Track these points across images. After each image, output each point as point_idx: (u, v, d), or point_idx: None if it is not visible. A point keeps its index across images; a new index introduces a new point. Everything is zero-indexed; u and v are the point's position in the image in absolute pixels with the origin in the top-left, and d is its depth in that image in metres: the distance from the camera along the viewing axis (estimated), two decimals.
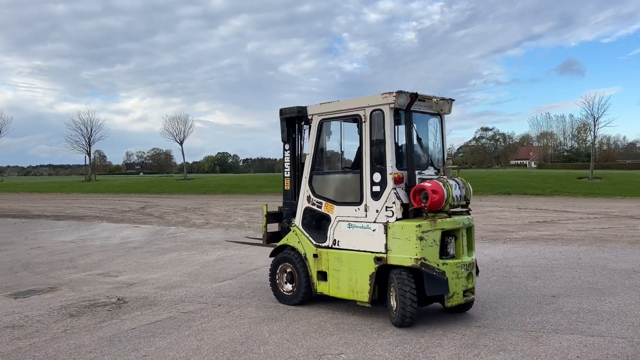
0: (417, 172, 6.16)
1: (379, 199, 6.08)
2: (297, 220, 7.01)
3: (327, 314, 6.60)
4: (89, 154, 64.53)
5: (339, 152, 6.98)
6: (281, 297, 7.19)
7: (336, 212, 6.54)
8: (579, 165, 74.51)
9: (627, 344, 5.32)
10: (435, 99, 6.53)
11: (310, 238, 6.82)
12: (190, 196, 37.14)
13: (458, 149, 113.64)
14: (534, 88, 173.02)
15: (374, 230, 6.10)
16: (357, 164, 6.52)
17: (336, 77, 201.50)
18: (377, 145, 6.16)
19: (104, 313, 6.90)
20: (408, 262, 5.75)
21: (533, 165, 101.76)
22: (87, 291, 8.22)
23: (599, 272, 8.94)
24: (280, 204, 7.88)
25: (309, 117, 6.97)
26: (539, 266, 9.52)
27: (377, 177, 6.11)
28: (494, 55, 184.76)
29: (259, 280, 8.79)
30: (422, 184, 5.89)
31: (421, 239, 5.69)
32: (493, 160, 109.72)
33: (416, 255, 5.70)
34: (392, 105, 5.97)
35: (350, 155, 6.84)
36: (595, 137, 49.75)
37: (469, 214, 6.37)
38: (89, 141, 62.36)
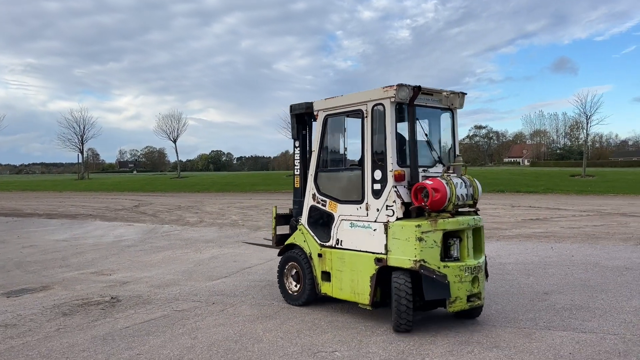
0: (422, 169, 5.95)
1: (379, 197, 5.88)
2: (304, 218, 6.89)
3: (321, 312, 6.61)
4: (82, 152, 64.30)
5: (343, 149, 6.75)
6: (288, 297, 7.08)
7: (339, 211, 6.38)
8: (572, 163, 74.99)
9: (619, 340, 5.36)
10: (445, 93, 6.25)
11: (315, 237, 6.68)
12: (184, 194, 37.05)
13: None
14: (528, 86, 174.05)
15: (374, 230, 5.90)
16: (360, 161, 6.33)
17: (330, 75, 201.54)
18: (379, 141, 5.96)
19: (97, 312, 6.87)
20: (407, 264, 5.51)
21: (526, 163, 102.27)
22: (80, 290, 8.19)
23: (591, 269, 9.00)
24: (291, 205, 7.78)
25: (315, 113, 6.83)
26: (532, 263, 9.58)
27: (378, 174, 5.92)
28: (488, 53, 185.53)
29: (253, 278, 8.78)
30: (423, 182, 5.66)
31: (420, 239, 5.45)
32: (486, 158, 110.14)
33: (415, 256, 5.46)
34: (393, 99, 5.74)
35: (354, 152, 6.68)
36: (587, 135, 50.14)
37: (477, 214, 6.03)
38: (82, 139, 62.13)
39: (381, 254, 5.80)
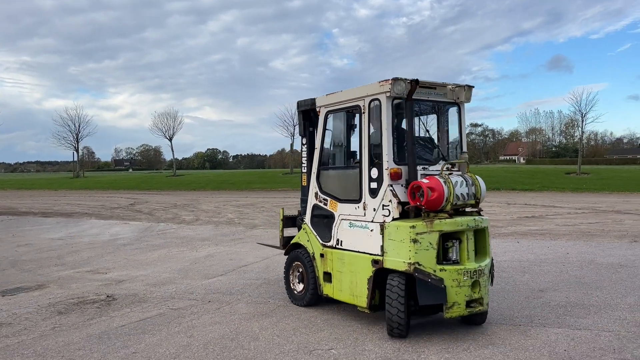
0: (421, 167, 5.72)
1: (376, 196, 5.68)
2: (307, 217, 6.76)
3: (317, 310, 6.61)
4: (77, 151, 64.07)
5: (343, 146, 6.55)
6: (293, 297, 6.96)
7: (339, 210, 6.22)
8: (567, 161, 75.25)
9: (613, 337, 5.39)
10: (450, 86, 5.98)
11: (317, 237, 6.54)
12: (179, 192, 36.98)
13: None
14: (523, 84, 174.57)
15: (371, 231, 5.70)
16: (358, 159, 6.16)
17: (326, 73, 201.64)
18: (375, 138, 5.76)
19: (93, 310, 6.86)
20: (402, 267, 5.27)
21: (522, 160, 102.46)
22: (76, 288, 8.17)
23: (586, 266, 9.03)
24: (297, 206, 7.82)
25: (317, 109, 6.69)
26: (527, 261, 9.61)
27: (374, 172, 5.72)
28: (484, 51, 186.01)
29: (249, 276, 8.78)
30: (419, 180, 5.44)
31: (415, 241, 5.19)
32: (482, 156, 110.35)
33: (409, 259, 5.21)
34: (389, 94, 5.52)
35: (355, 149, 6.45)
36: (583, 132, 50.22)
37: (480, 215, 5.73)
38: (77, 137, 61.85)
39: (378, 255, 5.59)
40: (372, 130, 5.82)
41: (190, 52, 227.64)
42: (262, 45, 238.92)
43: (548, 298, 6.99)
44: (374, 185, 5.73)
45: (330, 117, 6.52)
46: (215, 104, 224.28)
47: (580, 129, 47.07)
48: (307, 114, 7.18)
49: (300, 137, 7.42)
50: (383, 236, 5.52)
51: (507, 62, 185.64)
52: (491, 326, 5.83)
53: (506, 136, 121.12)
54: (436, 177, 5.42)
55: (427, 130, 6.23)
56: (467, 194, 5.55)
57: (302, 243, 6.84)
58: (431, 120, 6.30)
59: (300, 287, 6.88)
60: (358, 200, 5.93)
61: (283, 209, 7.68)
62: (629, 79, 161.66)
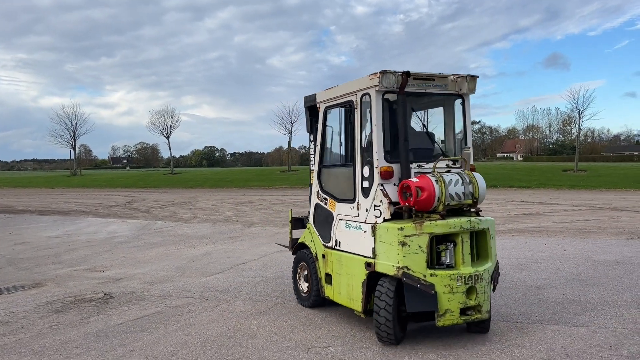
0: (416, 164, 5.43)
1: (368, 196, 5.45)
2: (310, 217, 6.61)
3: (315, 308, 6.61)
4: (74, 148, 63.81)
5: (339, 143, 6.36)
6: (300, 297, 6.84)
7: (337, 210, 6.01)
8: (564, 158, 75.41)
9: (610, 334, 5.41)
10: (452, 77, 5.67)
11: (320, 237, 6.36)
12: (177, 190, 36.93)
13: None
14: (521, 81, 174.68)
15: (364, 232, 5.46)
16: (352, 157, 5.91)
17: (324, 70, 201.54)
18: (366, 135, 5.55)
19: (90, 308, 6.85)
20: (392, 271, 5.00)
21: (519, 158, 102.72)
22: (73, 287, 8.16)
23: (583, 263, 9.06)
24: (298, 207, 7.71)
25: (317, 105, 6.47)
26: (525, 258, 9.63)
27: (366, 171, 5.49)
28: (481, 48, 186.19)
29: (247, 274, 8.78)
30: (409, 179, 5.17)
31: (403, 244, 4.90)
32: (480, 153, 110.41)
33: (398, 262, 4.93)
34: (378, 88, 5.26)
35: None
36: (580, 130, 50.31)
37: (479, 216, 5.38)
38: (74, 135, 61.60)
39: (370, 258, 5.35)
40: (364, 126, 5.61)
41: (187, 50, 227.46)
42: (259, 43, 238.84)
43: (545, 295, 7.01)
44: (366, 184, 5.51)
45: (329, 113, 6.36)
46: (212, 101, 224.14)
47: (577, 126, 47.17)
48: (313, 110, 6.90)
49: (307, 133, 7.12)
50: (375, 238, 5.27)
51: (505, 59, 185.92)
52: None
53: (503, 133, 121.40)
54: (428, 175, 5.14)
55: (425, 125, 6.01)
56: (464, 193, 5.20)
57: (306, 243, 6.69)
58: (438, 114, 6.04)
59: (306, 287, 6.75)
60: (352, 200, 5.72)
61: (291, 210, 7.46)
62: (626, 76, 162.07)
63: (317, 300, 6.50)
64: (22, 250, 12.03)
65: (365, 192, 5.50)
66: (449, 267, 5.06)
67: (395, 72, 5.27)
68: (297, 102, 51.94)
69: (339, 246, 5.98)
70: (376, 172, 5.32)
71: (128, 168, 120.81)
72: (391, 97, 5.53)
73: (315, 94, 6.68)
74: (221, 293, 7.52)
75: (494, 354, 4.92)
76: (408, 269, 4.91)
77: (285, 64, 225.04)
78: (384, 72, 5.24)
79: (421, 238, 4.92)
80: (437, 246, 5.09)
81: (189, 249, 11.72)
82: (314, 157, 6.73)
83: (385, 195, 5.26)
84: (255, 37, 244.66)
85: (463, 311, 5.02)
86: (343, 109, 6.13)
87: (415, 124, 6.17)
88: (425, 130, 6.09)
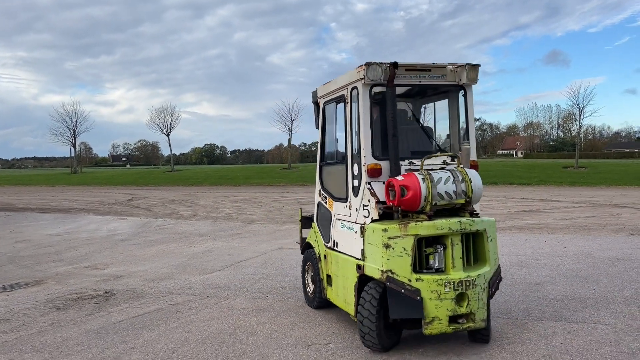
0: (407, 161, 5.14)
1: (357, 195, 5.20)
2: (315, 216, 6.43)
3: (319, 309, 6.62)
4: (75, 146, 63.77)
5: (334, 140, 6.08)
6: (307, 298, 6.68)
7: (335, 209, 5.79)
8: (565, 155, 75.40)
9: (610, 330, 5.41)
10: (451, 67, 5.30)
11: (322, 236, 6.16)
12: (177, 188, 36.94)
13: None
14: (521, 78, 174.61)
15: (355, 232, 5.21)
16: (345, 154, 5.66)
17: (324, 67, 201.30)
18: (356, 130, 5.25)
19: (91, 306, 6.86)
20: (377, 274, 4.72)
21: (519, 155, 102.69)
22: (74, 284, 8.17)
23: (583, 260, 9.06)
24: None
25: (318, 100, 6.26)
26: (525, 255, 9.63)
27: (356, 169, 5.23)
28: (481, 45, 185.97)
29: (247, 271, 8.79)
30: (394, 178, 4.85)
31: (387, 246, 4.60)
32: (480, 150, 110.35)
33: (382, 266, 4.64)
34: (364, 81, 4.99)
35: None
36: (580, 126, 50.32)
37: (472, 216, 4.92)
38: (74, 133, 61.57)
39: (360, 260, 5.09)
40: (353, 121, 5.33)
41: (187, 47, 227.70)
42: (260, 40, 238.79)
43: (545, 292, 7.01)
44: (355, 182, 5.27)
45: (327, 108, 6.13)
46: (212, 99, 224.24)
47: (577, 122, 47.20)
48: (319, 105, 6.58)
49: (317, 129, 6.74)
50: (363, 239, 4.99)
51: (505, 56, 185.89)
52: None
53: (504, 130, 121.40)
54: (415, 173, 4.78)
55: (418, 120, 5.71)
56: (455, 192, 4.79)
57: (311, 243, 6.53)
58: (446, 108, 5.73)
59: (312, 288, 6.59)
60: (345, 199, 5.50)
61: (301, 209, 7.27)
62: (627, 72, 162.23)
63: (321, 301, 6.30)
64: (23, 248, 12.04)
65: (355, 191, 5.28)
66: (439, 271, 4.69)
67: (381, 63, 4.99)
68: (297, 100, 51.97)
69: (337, 247, 5.78)
70: (364, 169, 5.07)
71: (128, 166, 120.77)
72: (382, 90, 5.22)
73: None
74: (221, 290, 7.53)
75: (494, 350, 4.92)
76: (392, 273, 4.61)
77: (285, 61, 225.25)
78: (369, 64, 4.97)
79: (406, 240, 4.60)
80: (425, 249, 4.74)
81: (189, 246, 11.72)
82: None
83: (373, 194, 4.99)
84: (255, 35, 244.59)
85: (453, 319, 4.68)
86: (336, 104, 5.86)
87: (415, 119, 6.01)
88: (420, 125, 5.82)
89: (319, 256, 6.23)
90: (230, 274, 8.61)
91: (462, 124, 5.62)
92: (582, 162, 44.00)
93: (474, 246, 4.95)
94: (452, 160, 5.21)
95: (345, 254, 5.48)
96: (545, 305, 6.37)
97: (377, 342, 4.79)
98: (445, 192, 4.76)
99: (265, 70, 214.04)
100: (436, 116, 5.87)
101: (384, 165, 5.07)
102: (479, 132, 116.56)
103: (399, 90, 5.64)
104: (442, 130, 5.89)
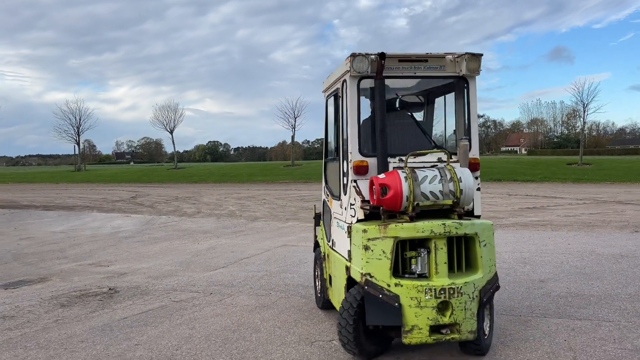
0: (397, 158, 4.81)
1: (346, 193, 4.99)
2: (321, 213, 6.32)
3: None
4: (78, 144, 64.05)
5: (333, 135, 5.84)
6: (316, 298, 6.53)
7: (333, 207, 5.61)
8: (569, 152, 75.08)
9: (613, 327, 5.40)
10: (450, 57, 4.93)
11: (326, 235, 6.00)
12: (181, 185, 37.00)
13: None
14: (525, 74, 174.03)
15: (345, 232, 4.97)
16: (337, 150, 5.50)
17: (327, 64, 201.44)
18: (344, 125, 5.02)
19: (95, 303, 6.89)
20: (358, 277, 4.45)
21: (523, 151, 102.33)
22: (78, 281, 8.20)
23: (587, 257, 9.04)
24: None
25: (323, 94, 6.12)
26: (528, 252, 9.62)
27: (345, 166, 5.01)
28: (485, 41, 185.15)
29: (251, 268, 8.80)
30: (375, 176, 4.56)
31: (366, 248, 4.32)
32: (484, 147, 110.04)
33: (362, 268, 4.37)
34: (351, 73, 4.75)
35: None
36: (584, 123, 50.02)
37: (461, 219, 4.48)
38: (78, 130, 61.77)
39: (347, 261, 4.86)
40: (343, 115, 5.06)
41: (190, 44, 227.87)
42: (263, 37, 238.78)
43: (549, 289, 7.00)
44: (345, 180, 5.06)
45: (329, 103, 5.90)
46: (216, 96, 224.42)
47: (582, 119, 46.92)
48: None
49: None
50: (350, 240, 4.73)
51: (509, 52, 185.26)
52: None
53: (508, 127, 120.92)
54: (398, 170, 4.48)
55: (412, 115, 5.42)
56: (441, 191, 4.42)
57: (319, 241, 6.40)
58: (448, 100, 5.47)
59: (318, 288, 6.43)
60: (339, 197, 5.33)
61: (315, 205, 6.99)
62: (631, 69, 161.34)
63: (325, 302, 6.12)
64: (27, 246, 12.09)
65: (345, 189, 5.07)
66: (422, 277, 4.35)
67: (367, 54, 4.73)
68: (300, 97, 51.98)
69: (334, 246, 5.56)
70: (350, 166, 4.85)
71: (132, 163, 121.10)
72: (372, 83, 4.94)
73: None
74: (225, 287, 7.55)
75: (498, 348, 4.92)
76: (371, 277, 4.32)
77: (288, 58, 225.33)
78: (354, 55, 4.72)
79: (385, 242, 4.30)
80: (406, 252, 4.41)
81: (193, 243, 11.75)
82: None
83: (359, 192, 4.73)
84: (258, 32, 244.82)
85: (436, 329, 4.30)
86: (336, 98, 5.56)
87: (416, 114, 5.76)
88: (414, 119, 5.52)
89: (324, 255, 6.12)
90: (234, 271, 8.63)
91: (454, 119, 5.35)
92: (586, 159, 43.83)
93: (466, 251, 4.53)
94: (450, 157, 4.85)
95: (340, 254, 5.27)
96: (548, 302, 6.36)
97: (356, 350, 4.54)
98: (431, 192, 4.41)
99: (268, 67, 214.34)
100: (447, 110, 5.53)
101: (372, 162, 4.82)
102: (482, 128, 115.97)
103: (409, 83, 5.48)
104: (452, 126, 5.57)
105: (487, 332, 4.70)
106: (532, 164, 42.27)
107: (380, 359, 4.71)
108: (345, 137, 5.02)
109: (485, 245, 4.51)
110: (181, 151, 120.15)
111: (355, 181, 4.79)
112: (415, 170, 4.48)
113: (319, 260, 6.30)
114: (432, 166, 4.67)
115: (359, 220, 4.71)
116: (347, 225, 4.88)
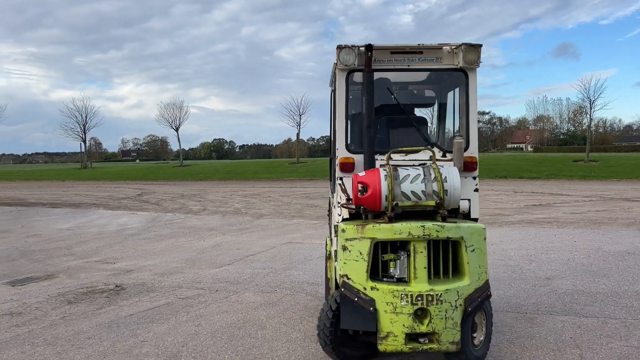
0: (387, 154, 4.41)
1: (335, 191, 4.84)
2: (328, 211, 6.20)
3: (323, 299, 6.64)
4: (85, 141, 64.25)
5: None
6: (325, 296, 6.33)
7: (332, 205, 5.50)
8: (575, 149, 74.71)
9: (620, 325, 5.38)
10: (447, 48, 4.64)
11: (329, 233, 5.91)
12: (186, 183, 37.10)
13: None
14: (531, 71, 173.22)
15: (334, 231, 4.82)
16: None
17: (332, 62, 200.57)
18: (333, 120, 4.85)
19: (102, 300, 6.93)
20: (338, 278, 4.26)
21: (529, 148, 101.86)
22: (85, 278, 8.25)
23: (593, 254, 9.01)
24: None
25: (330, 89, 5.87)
26: (534, 249, 9.59)
27: (334, 162, 4.86)
28: (491, 38, 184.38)
29: (256, 265, 8.82)
30: (356, 174, 4.38)
31: (345, 248, 4.12)
32: (489, 144, 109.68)
33: (340, 269, 4.18)
34: (339, 66, 4.57)
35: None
36: (591, 120, 49.81)
37: (445, 221, 4.10)
38: (84, 128, 61.95)
39: (335, 261, 4.70)
40: (336, 110, 4.83)
41: (196, 42, 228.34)
42: (268, 34, 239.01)
43: (555, 286, 6.98)
44: (334, 177, 4.92)
45: (332, 96, 5.55)
46: (221, 93, 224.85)
47: (588, 116, 46.64)
48: None
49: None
50: (337, 239, 4.48)
51: (515, 48, 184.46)
52: (497, 314, 5.83)
53: (514, 124, 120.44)
54: (379, 168, 4.28)
55: (404, 110, 5.14)
56: (424, 191, 4.15)
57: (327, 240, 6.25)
58: (446, 95, 5.33)
59: (324, 287, 6.36)
60: (333, 195, 5.18)
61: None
62: (638, 65, 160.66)
63: None
64: (35, 243, 12.17)
65: (333, 187, 4.92)
66: (401, 281, 4.06)
67: (354, 46, 4.52)
68: (305, 94, 51.98)
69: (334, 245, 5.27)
70: (336, 163, 4.68)
71: (138, 161, 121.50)
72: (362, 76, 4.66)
73: None
74: (231, 284, 7.57)
75: (503, 345, 4.92)
76: (348, 279, 4.11)
77: (293, 55, 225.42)
78: (340, 47, 4.53)
79: (362, 243, 4.07)
80: (383, 255, 4.15)
81: (198, 240, 11.79)
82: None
83: (344, 190, 4.55)
84: (263, 29, 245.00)
85: (413, 337, 3.98)
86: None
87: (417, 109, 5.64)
88: (407, 114, 5.24)
89: (328, 254, 5.97)
90: (240, 268, 8.65)
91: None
92: (592, 156, 43.61)
93: (454, 256, 4.18)
94: (444, 155, 4.64)
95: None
96: (555, 300, 6.35)
97: (333, 353, 4.34)
98: (412, 191, 4.15)
99: (273, 64, 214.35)
100: (448, 106, 5.36)
101: (358, 159, 4.60)
102: (488, 125, 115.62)
103: (420, 76, 5.31)
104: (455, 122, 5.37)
105: (478, 344, 4.26)
106: (538, 161, 42.10)
107: None
108: (334, 132, 4.86)
109: (473, 250, 4.11)
110: (187, 149, 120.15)
111: (341, 179, 4.62)
112: (398, 168, 4.26)
113: (327, 258, 6.19)
114: (421, 164, 4.42)
115: (344, 220, 4.53)
116: (335, 224, 4.71)
